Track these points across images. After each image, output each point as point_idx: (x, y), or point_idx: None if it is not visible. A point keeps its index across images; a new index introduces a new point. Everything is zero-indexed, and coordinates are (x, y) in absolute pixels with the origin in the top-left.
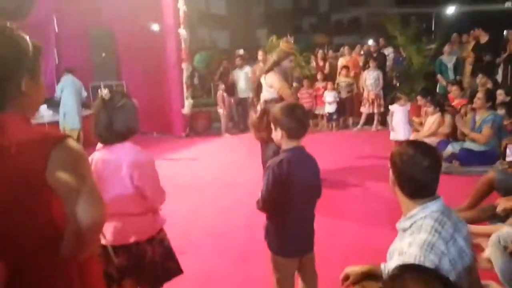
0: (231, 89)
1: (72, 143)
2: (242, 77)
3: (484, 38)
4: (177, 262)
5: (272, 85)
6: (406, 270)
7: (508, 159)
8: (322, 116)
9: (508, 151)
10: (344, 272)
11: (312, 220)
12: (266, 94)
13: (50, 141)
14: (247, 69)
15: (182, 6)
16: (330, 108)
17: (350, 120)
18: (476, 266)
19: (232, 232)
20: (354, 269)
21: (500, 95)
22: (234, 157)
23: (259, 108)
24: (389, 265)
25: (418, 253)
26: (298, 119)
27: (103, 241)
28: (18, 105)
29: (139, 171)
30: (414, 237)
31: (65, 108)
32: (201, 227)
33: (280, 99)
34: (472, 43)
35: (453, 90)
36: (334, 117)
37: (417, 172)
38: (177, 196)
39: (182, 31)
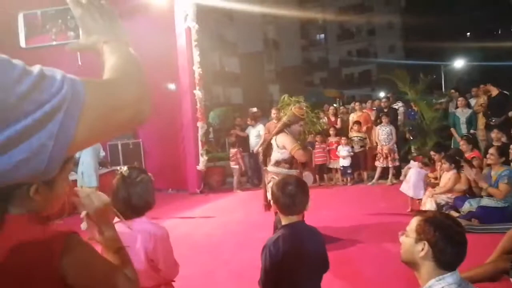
0: (244, 144)
1: (78, 241)
2: (254, 134)
3: (495, 92)
4: None
5: (284, 146)
6: None
7: None
8: (337, 170)
9: None
10: None
11: None
12: (277, 155)
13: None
14: (260, 126)
15: (197, 69)
16: (344, 162)
17: (365, 175)
18: None
19: None
20: None
21: None
22: (248, 215)
23: (269, 168)
24: None
25: None
26: (290, 195)
27: None
28: (26, 207)
29: (153, 244)
30: None
31: (83, 167)
32: None
33: (290, 159)
34: (483, 97)
35: (461, 144)
36: (349, 171)
37: (457, 246)
38: (190, 257)
39: (197, 92)
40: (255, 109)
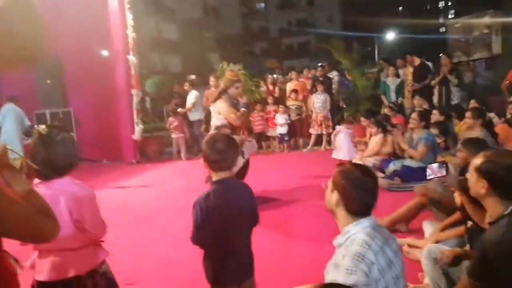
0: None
1: None
2: (187, 101)
3: (417, 61)
4: None
5: (220, 112)
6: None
7: (429, 177)
8: (274, 138)
9: (428, 170)
10: None
11: (248, 247)
12: (216, 121)
13: None
14: (192, 93)
15: (131, 34)
16: (281, 130)
17: (301, 141)
18: (405, 276)
19: (184, 261)
20: None
21: (435, 115)
22: (187, 183)
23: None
24: (326, 280)
25: (350, 264)
26: (220, 152)
27: (38, 277)
28: None
29: (78, 205)
30: (347, 250)
31: (5, 137)
32: (152, 256)
33: (230, 124)
34: (409, 67)
35: (386, 110)
36: (286, 138)
37: (364, 193)
38: (127, 225)
39: (132, 57)
40: (193, 77)
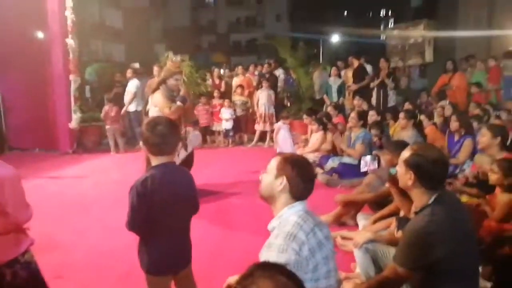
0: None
1: None
2: (127, 89)
3: (356, 63)
4: (44, 285)
5: (156, 104)
6: (256, 268)
7: (362, 169)
8: (219, 132)
9: (362, 162)
10: (226, 282)
11: (186, 235)
12: (153, 112)
13: None
14: (133, 81)
15: (70, 15)
16: (226, 124)
17: (245, 137)
18: (335, 260)
19: (117, 251)
20: (236, 278)
21: (372, 115)
22: (124, 175)
23: None
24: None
25: (282, 242)
26: (161, 135)
27: None
28: None
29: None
30: (280, 230)
31: None
32: (85, 247)
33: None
34: (350, 69)
35: (329, 109)
36: (231, 133)
37: (309, 179)
38: (61, 216)
39: (70, 41)
40: (137, 65)
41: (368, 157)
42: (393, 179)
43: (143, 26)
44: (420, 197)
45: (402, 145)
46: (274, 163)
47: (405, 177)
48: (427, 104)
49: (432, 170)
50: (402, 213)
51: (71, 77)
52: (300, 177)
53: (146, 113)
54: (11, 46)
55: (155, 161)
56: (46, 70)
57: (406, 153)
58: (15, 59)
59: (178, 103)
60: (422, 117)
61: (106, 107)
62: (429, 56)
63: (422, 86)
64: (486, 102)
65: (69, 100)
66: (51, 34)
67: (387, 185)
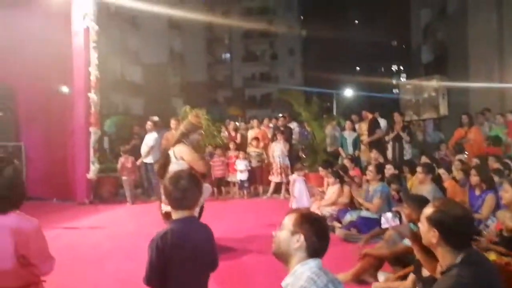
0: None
1: None
2: (145, 142)
3: (369, 117)
4: None
5: (182, 157)
6: None
7: (383, 226)
8: (234, 183)
9: (382, 219)
10: None
11: None
12: (175, 166)
13: None
14: (152, 134)
15: (94, 71)
16: (241, 176)
17: (261, 188)
18: None
19: None
20: None
21: (390, 169)
22: (140, 226)
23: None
24: None
25: None
26: (183, 189)
27: None
28: None
29: (24, 238)
30: (294, 286)
31: None
32: None
33: (190, 170)
34: (364, 122)
35: (345, 162)
36: (246, 185)
37: (325, 237)
38: (75, 268)
39: (93, 95)
40: (156, 118)
41: (389, 214)
42: (415, 236)
43: (161, 81)
44: (445, 256)
45: (422, 200)
46: (289, 220)
47: (429, 235)
48: (444, 157)
49: (457, 228)
50: (424, 272)
51: (92, 129)
52: (317, 235)
53: (163, 165)
54: (37, 100)
55: (175, 215)
56: (68, 123)
57: (428, 210)
58: (40, 112)
59: (208, 158)
60: (441, 171)
61: (122, 159)
62: (443, 110)
63: (439, 139)
64: (502, 154)
65: (88, 152)
66: (75, 89)
67: (408, 241)
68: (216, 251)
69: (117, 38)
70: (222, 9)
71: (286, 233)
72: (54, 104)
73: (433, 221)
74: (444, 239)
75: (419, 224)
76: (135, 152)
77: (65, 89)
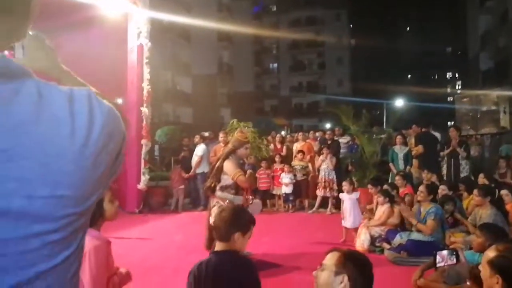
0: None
1: None
2: (195, 153)
3: (417, 131)
4: None
5: (226, 172)
6: None
7: (438, 265)
8: (279, 196)
9: (438, 257)
10: None
11: None
12: (223, 180)
13: None
14: (200, 147)
15: (146, 86)
16: (286, 189)
17: (306, 202)
18: None
19: None
20: None
21: (444, 190)
22: (188, 238)
23: (218, 193)
24: None
25: None
26: (223, 221)
27: None
28: None
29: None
30: None
31: None
32: None
33: (235, 185)
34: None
35: (397, 179)
36: (291, 198)
37: (369, 282)
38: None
39: (145, 109)
40: (207, 134)
41: (445, 252)
42: (476, 278)
43: (210, 91)
44: None
45: (499, 230)
46: (331, 260)
47: (491, 281)
48: (503, 176)
49: None
50: None
51: (143, 141)
52: (361, 274)
53: (214, 179)
54: None
55: (217, 246)
56: None
57: (490, 253)
58: None
59: (250, 171)
60: (504, 192)
61: (174, 170)
62: (504, 124)
63: (508, 152)
64: None
65: (139, 163)
66: (128, 103)
67: (468, 283)
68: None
69: (169, 50)
70: (271, 20)
71: (328, 274)
72: None
73: (497, 267)
74: (508, 286)
75: (480, 267)
76: (184, 164)
77: (119, 101)
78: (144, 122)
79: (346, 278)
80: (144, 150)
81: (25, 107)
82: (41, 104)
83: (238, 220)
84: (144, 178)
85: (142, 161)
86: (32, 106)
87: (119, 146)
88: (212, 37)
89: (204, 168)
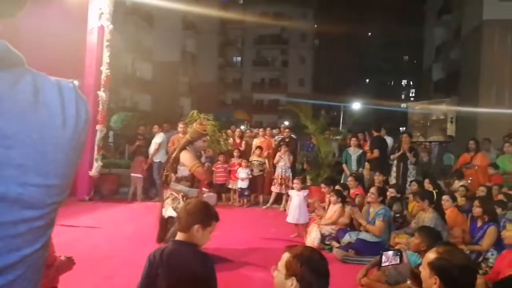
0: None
1: None
2: (155, 141)
3: (374, 134)
4: None
5: (184, 163)
6: None
7: (383, 264)
8: (235, 191)
9: (383, 257)
10: None
11: None
12: (182, 171)
13: None
14: (159, 136)
15: (105, 70)
16: (242, 184)
17: (261, 198)
18: None
19: None
20: None
21: (392, 192)
22: (139, 228)
23: (172, 185)
24: None
25: None
26: (187, 212)
27: None
28: None
29: None
30: None
31: None
32: None
33: (190, 176)
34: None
35: (349, 180)
36: (246, 193)
37: (323, 278)
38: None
39: (102, 93)
40: (165, 125)
41: (391, 252)
42: (416, 278)
43: (171, 79)
44: None
45: (434, 233)
46: (282, 262)
47: (430, 281)
48: (447, 183)
49: (459, 277)
50: None
51: (98, 127)
52: (312, 276)
53: (170, 169)
54: None
55: (177, 236)
56: None
57: (431, 256)
58: None
59: (207, 164)
60: (445, 197)
61: (138, 158)
62: (451, 133)
63: (450, 161)
64: (503, 184)
65: (92, 149)
66: (85, 86)
67: (409, 282)
68: (213, 283)
69: (131, 34)
70: (237, 12)
71: (280, 276)
72: None
73: (436, 269)
74: (445, 287)
75: (421, 268)
76: (139, 153)
77: (76, 83)
78: (101, 107)
79: (295, 281)
80: (98, 136)
81: (25, 96)
82: (37, 94)
83: (200, 213)
84: (97, 164)
85: (96, 147)
86: (30, 96)
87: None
88: (177, 25)
89: (161, 158)
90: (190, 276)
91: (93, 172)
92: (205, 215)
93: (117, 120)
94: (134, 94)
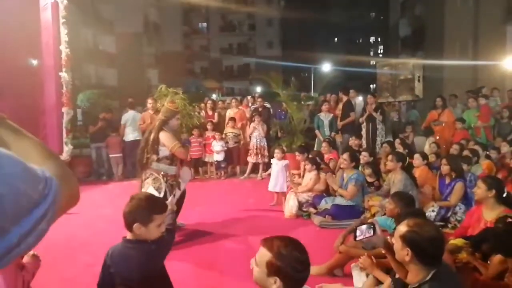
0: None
1: None
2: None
3: (344, 99)
4: None
5: (164, 144)
6: None
7: (358, 238)
8: (212, 163)
9: (358, 231)
10: None
11: None
12: (163, 152)
13: None
14: (128, 114)
15: (64, 49)
16: (218, 156)
17: (238, 169)
18: None
19: None
20: None
21: (365, 156)
22: (118, 210)
23: (153, 164)
24: None
25: None
26: (127, 211)
27: None
28: None
29: None
30: None
31: None
32: None
33: (171, 156)
34: (340, 104)
35: (323, 146)
36: (222, 165)
37: (303, 271)
38: (47, 262)
39: (64, 74)
40: (130, 99)
41: (364, 226)
42: (389, 248)
43: (136, 51)
44: (417, 273)
45: (408, 199)
46: (263, 259)
47: (402, 253)
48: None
49: (429, 248)
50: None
51: (64, 109)
52: (295, 272)
53: (145, 149)
54: (2, 77)
55: (127, 234)
56: (38, 103)
57: (402, 229)
58: (7, 90)
59: (187, 145)
60: (417, 156)
61: (111, 137)
62: (418, 92)
63: (415, 117)
64: (470, 138)
65: (60, 132)
66: (45, 67)
67: (382, 252)
68: (167, 279)
69: (89, 6)
70: None
71: (261, 273)
72: (21, 83)
73: (407, 241)
74: (416, 258)
75: (393, 240)
76: (102, 135)
77: (33, 66)
78: (65, 88)
79: (278, 280)
80: (65, 118)
81: None
82: None
83: (137, 211)
84: (67, 148)
85: (64, 130)
86: None
87: None
88: None
89: (133, 136)
90: (137, 274)
91: (64, 156)
92: (144, 212)
93: (83, 99)
94: (98, 69)
